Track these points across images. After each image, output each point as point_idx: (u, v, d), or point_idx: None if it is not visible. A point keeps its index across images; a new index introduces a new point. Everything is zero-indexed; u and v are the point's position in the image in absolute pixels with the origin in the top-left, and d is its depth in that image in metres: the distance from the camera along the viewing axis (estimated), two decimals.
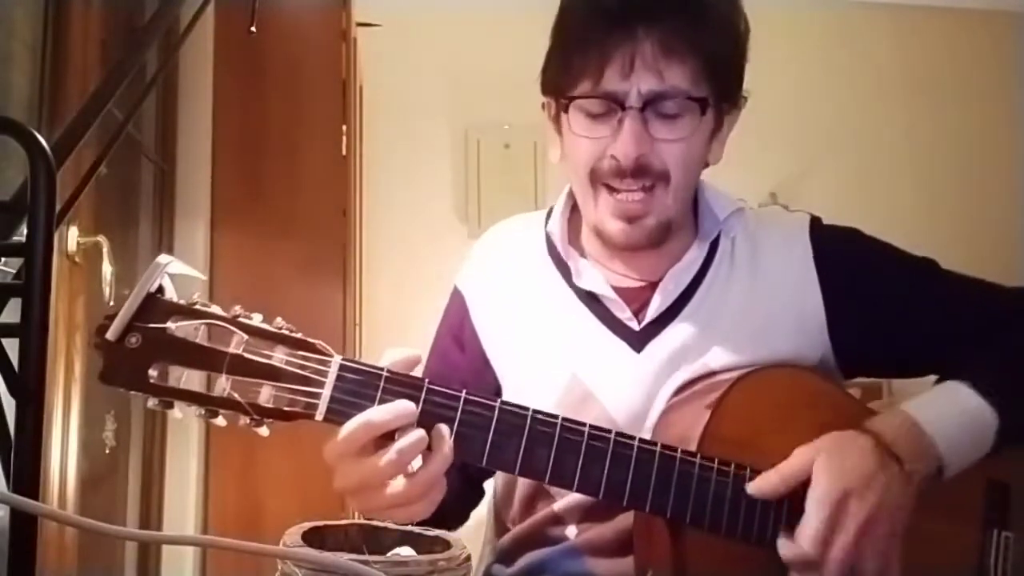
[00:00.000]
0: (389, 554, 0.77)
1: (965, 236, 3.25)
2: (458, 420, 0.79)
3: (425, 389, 0.79)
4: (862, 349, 1.00)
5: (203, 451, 2.33)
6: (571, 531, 0.98)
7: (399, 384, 0.78)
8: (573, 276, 1.03)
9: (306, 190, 2.41)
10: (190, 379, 0.75)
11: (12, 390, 0.74)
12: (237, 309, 0.77)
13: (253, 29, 1.38)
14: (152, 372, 0.74)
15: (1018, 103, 3.58)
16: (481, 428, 0.79)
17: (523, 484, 1.02)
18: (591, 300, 1.02)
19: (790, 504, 0.83)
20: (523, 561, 1.01)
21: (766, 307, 0.99)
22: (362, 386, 0.77)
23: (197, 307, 0.76)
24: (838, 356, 1.00)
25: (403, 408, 0.76)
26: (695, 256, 1.01)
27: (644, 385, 0.97)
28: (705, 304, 1.00)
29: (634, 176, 0.93)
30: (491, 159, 3.43)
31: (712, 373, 0.95)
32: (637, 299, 1.01)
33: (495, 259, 1.11)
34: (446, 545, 0.76)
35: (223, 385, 0.74)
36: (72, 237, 1.71)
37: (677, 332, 0.99)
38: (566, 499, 0.98)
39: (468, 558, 0.75)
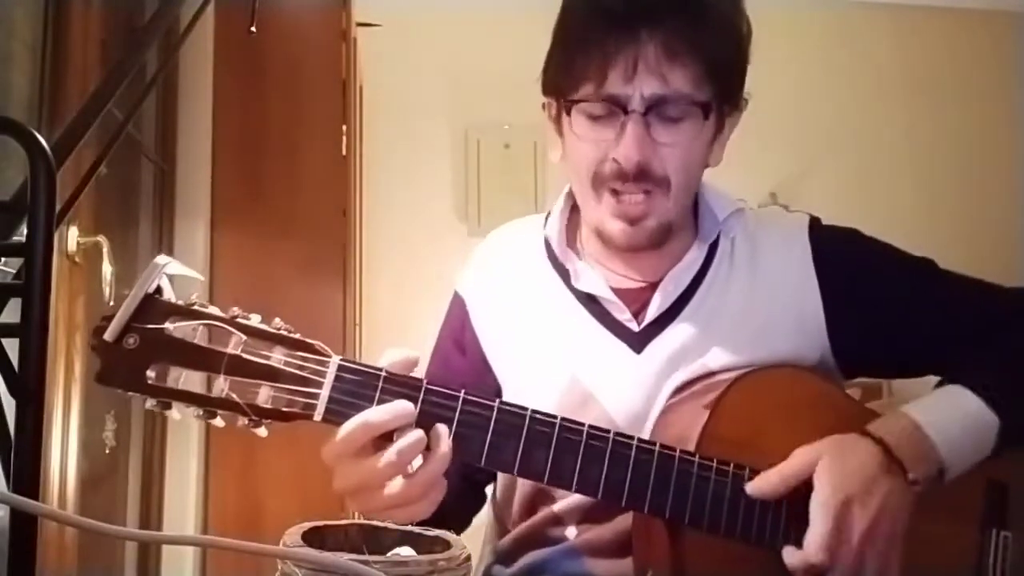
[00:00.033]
0: (389, 554, 0.77)
1: (965, 236, 3.26)
2: (457, 420, 0.79)
3: (424, 389, 0.79)
4: (861, 350, 1.00)
5: (203, 451, 2.33)
6: (571, 532, 0.98)
7: (397, 384, 0.78)
8: (572, 279, 1.03)
9: (306, 190, 2.41)
10: (188, 380, 0.75)
11: (12, 390, 0.74)
12: (235, 310, 0.77)
13: (253, 29, 1.38)
14: (150, 373, 0.74)
15: (1018, 103, 3.59)
16: (480, 428, 0.79)
17: (523, 485, 1.02)
18: (590, 302, 1.02)
19: (789, 504, 0.83)
20: (523, 562, 1.01)
21: (765, 308, 0.99)
22: (360, 386, 0.77)
23: (195, 308, 0.76)
24: (837, 356, 1.00)
25: (401, 408, 0.76)
26: (695, 257, 1.01)
27: (644, 386, 0.97)
28: (705, 305, 1.00)
29: (635, 180, 0.93)
30: (491, 159, 3.43)
31: (711, 373, 0.95)
32: (637, 300, 1.01)
33: (494, 263, 1.11)
34: (446, 545, 0.76)
35: (221, 386, 0.74)
36: (72, 237, 1.71)
37: (677, 333, 0.99)
38: (566, 500, 0.98)
39: (468, 558, 0.75)
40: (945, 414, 0.88)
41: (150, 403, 0.75)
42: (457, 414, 0.79)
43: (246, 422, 0.75)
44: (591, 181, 0.96)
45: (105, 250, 1.78)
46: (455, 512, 1.01)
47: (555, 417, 0.81)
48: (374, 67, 3.12)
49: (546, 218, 1.09)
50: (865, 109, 3.62)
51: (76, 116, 0.97)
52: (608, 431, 0.82)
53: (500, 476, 1.08)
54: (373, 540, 0.79)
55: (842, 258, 1.01)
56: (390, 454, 0.75)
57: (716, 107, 0.95)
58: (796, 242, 1.02)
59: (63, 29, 1.72)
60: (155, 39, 1.16)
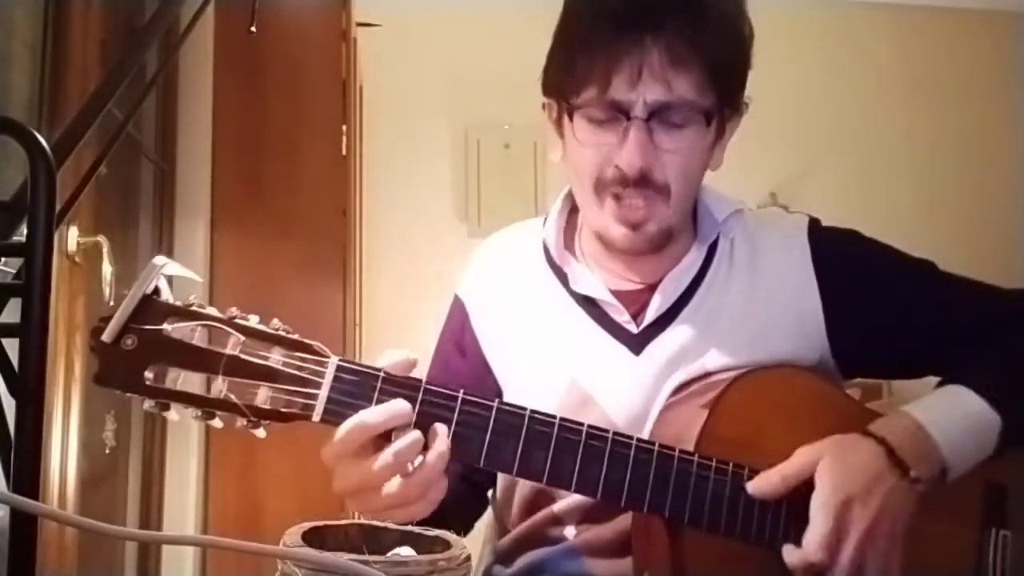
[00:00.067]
0: (389, 554, 0.77)
1: (965, 236, 3.26)
2: (455, 421, 0.79)
3: (422, 389, 0.79)
4: (861, 350, 1.00)
5: (203, 451, 2.33)
6: (570, 531, 0.98)
7: (396, 385, 0.78)
8: (570, 282, 1.03)
9: (306, 190, 2.41)
10: (187, 381, 0.75)
11: (12, 390, 0.74)
12: (233, 310, 0.77)
13: (253, 29, 1.38)
14: (148, 374, 0.74)
15: (1018, 103, 3.59)
16: (479, 428, 0.79)
17: (523, 486, 1.02)
18: (589, 304, 1.02)
19: (789, 503, 0.83)
20: (522, 561, 1.01)
21: (765, 309, 0.99)
22: (359, 387, 0.77)
23: (193, 308, 0.76)
24: (837, 357, 1.00)
25: (397, 408, 0.76)
26: (694, 258, 1.01)
27: (643, 388, 0.97)
28: (704, 306, 1.00)
29: (636, 185, 0.93)
30: (491, 159, 3.43)
31: (709, 374, 0.95)
32: (635, 302, 1.01)
33: (493, 266, 1.11)
34: (446, 545, 0.76)
35: (220, 387, 0.74)
36: (72, 237, 1.71)
37: (676, 334, 0.99)
38: (565, 500, 0.98)
39: (468, 558, 0.74)
40: (947, 414, 0.88)
41: (148, 404, 0.75)
42: (456, 414, 0.79)
43: (245, 423, 0.75)
44: (593, 186, 0.96)
45: (105, 250, 1.78)
46: (456, 514, 1.01)
47: (554, 417, 0.81)
48: (374, 67, 3.12)
49: (544, 221, 1.09)
50: (865, 109, 3.62)
51: (76, 116, 0.97)
52: (607, 431, 0.82)
53: (500, 477, 1.08)
54: (373, 540, 0.79)
55: (841, 259, 1.01)
56: (386, 456, 0.75)
57: (718, 112, 0.94)
58: (795, 243, 1.02)
59: (63, 29, 1.72)
60: (155, 39, 1.16)
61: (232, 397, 0.74)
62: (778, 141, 3.29)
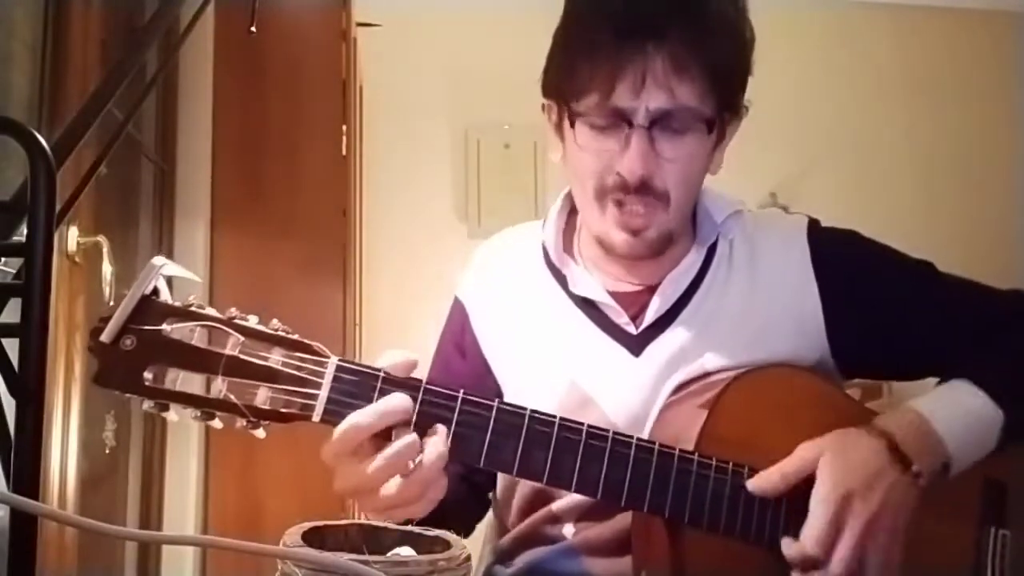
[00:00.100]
0: (389, 554, 0.77)
1: (964, 236, 3.26)
2: (455, 420, 0.79)
3: (422, 389, 0.79)
4: (860, 351, 1.00)
5: (203, 451, 2.33)
6: (568, 530, 0.98)
7: (396, 385, 0.78)
8: (569, 284, 1.03)
9: (306, 190, 2.41)
10: (186, 381, 0.75)
11: (12, 390, 0.74)
12: (233, 311, 0.77)
13: (253, 29, 1.38)
14: (147, 374, 0.74)
15: (1018, 103, 3.59)
16: (479, 428, 0.79)
17: (523, 486, 1.02)
18: (588, 306, 1.02)
19: (788, 502, 0.83)
20: (521, 560, 1.02)
21: (764, 309, 0.99)
22: (359, 387, 0.77)
23: (192, 309, 0.76)
24: (836, 357, 1.00)
25: (390, 405, 0.76)
26: (693, 260, 1.01)
27: (643, 389, 0.97)
28: (703, 307, 1.00)
29: (637, 192, 0.93)
30: (491, 159, 3.43)
31: (708, 374, 0.95)
32: (635, 303, 1.01)
33: (493, 268, 1.11)
34: (446, 545, 0.76)
35: (219, 387, 0.74)
36: (72, 237, 1.71)
37: (675, 335, 0.99)
38: (564, 499, 0.98)
39: (468, 558, 0.74)
40: (950, 408, 0.88)
41: (147, 405, 0.75)
42: (456, 414, 0.79)
43: (244, 423, 0.75)
44: (595, 193, 0.96)
45: (105, 250, 1.78)
46: (457, 515, 1.01)
47: (554, 417, 0.81)
48: (374, 67, 3.12)
49: (543, 223, 1.09)
50: (865, 109, 3.63)
51: (76, 116, 0.97)
52: (607, 430, 0.82)
53: (500, 477, 1.08)
54: (373, 540, 0.79)
55: (841, 259, 1.01)
56: (379, 460, 0.75)
57: (718, 117, 0.94)
58: (795, 244, 1.02)
59: (63, 29, 1.72)
60: (155, 39, 1.16)
61: (232, 397, 0.74)
62: (778, 141, 3.29)
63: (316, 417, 0.76)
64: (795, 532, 0.82)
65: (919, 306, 1.00)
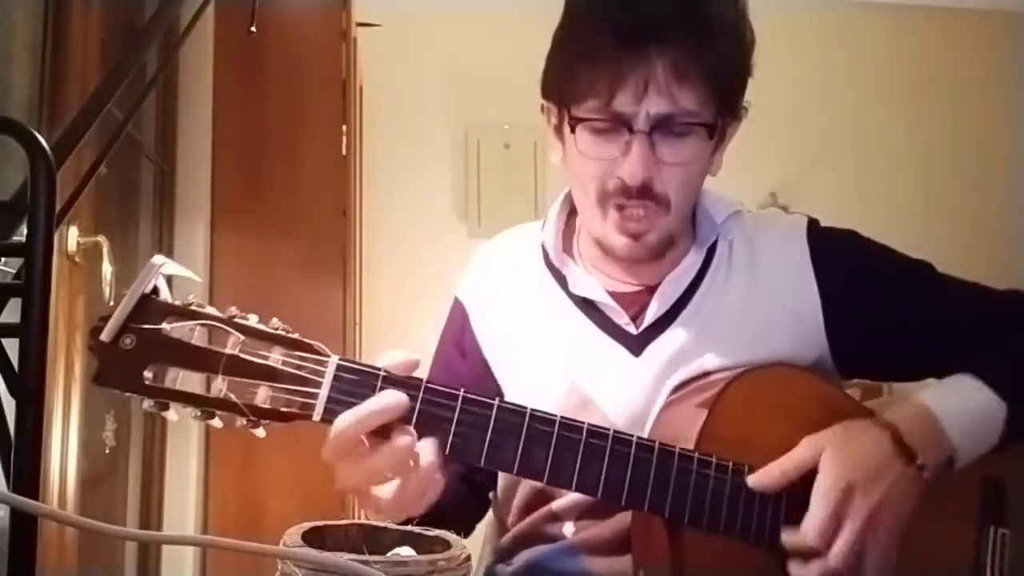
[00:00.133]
0: (389, 554, 0.77)
1: (964, 236, 3.26)
2: (456, 420, 0.79)
3: (423, 388, 0.79)
4: (859, 351, 1.00)
5: (203, 451, 2.33)
6: (568, 528, 0.98)
7: (397, 384, 0.78)
8: (569, 284, 1.03)
9: (306, 190, 2.41)
10: (186, 380, 0.75)
11: (12, 390, 0.74)
12: (233, 310, 0.77)
13: (253, 29, 1.38)
14: (147, 373, 0.74)
15: (1017, 103, 3.59)
16: (479, 428, 0.79)
17: (525, 485, 1.02)
18: (588, 307, 1.02)
19: (788, 501, 0.83)
20: (521, 559, 1.02)
21: (764, 309, 0.99)
22: (359, 386, 0.77)
23: (192, 308, 0.76)
24: (835, 357, 1.00)
25: (385, 402, 0.76)
26: (692, 260, 1.01)
27: (643, 389, 0.97)
28: (703, 307, 1.00)
29: (638, 196, 0.93)
30: (491, 159, 3.43)
31: (708, 373, 0.95)
32: (634, 304, 1.01)
33: (493, 269, 1.11)
34: (446, 545, 0.76)
35: (219, 386, 0.74)
36: (72, 237, 1.71)
37: (675, 336, 0.99)
38: (564, 497, 0.98)
39: (468, 558, 0.74)
40: (955, 401, 0.89)
41: (147, 404, 0.75)
42: (456, 413, 0.79)
43: (244, 422, 0.75)
44: (596, 198, 0.96)
45: (105, 250, 1.78)
46: (457, 515, 1.01)
47: (555, 416, 0.81)
48: (374, 67, 3.12)
49: (543, 224, 1.09)
50: (864, 110, 3.63)
51: (76, 116, 0.97)
52: (607, 429, 0.82)
53: (501, 476, 1.08)
54: (373, 540, 0.79)
55: (840, 259, 1.01)
56: (377, 459, 0.75)
57: (719, 120, 0.94)
58: (794, 244, 1.02)
59: (63, 29, 1.72)
60: (155, 39, 1.16)
61: (232, 396, 0.74)
62: (778, 142, 3.29)
63: (316, 416, 0.76)
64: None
65: (918, 306, 1.00)
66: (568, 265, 1.04)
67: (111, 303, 1.78)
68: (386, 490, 0.77)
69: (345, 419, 0.75)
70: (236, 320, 0.76)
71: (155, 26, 1.12)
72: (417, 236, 3.32)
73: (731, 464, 0.84)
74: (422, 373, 0.82)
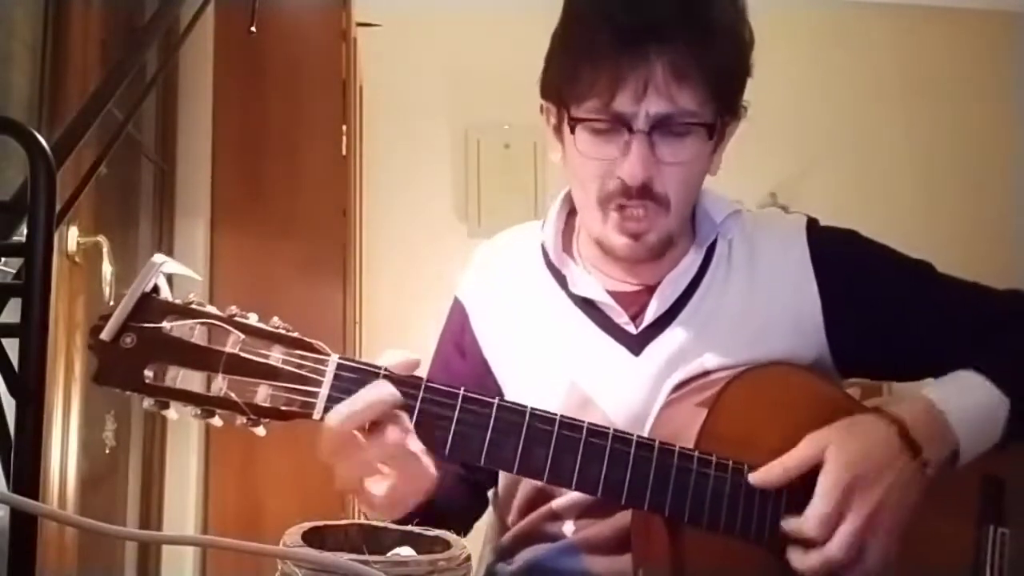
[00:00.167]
0: (389, 554, 0.77)
1: (963, 236, 3.26)
2: (456, 419, 0.79)
3: (423, 387, 0.79)
4: (859, 350, 1.00)
5: (203, 451, 2.33)
6: (568, 527, 0.98)
7: (396, 383, 0.78)
8: (569, 284, 1.03)
9: (306, 190, 2.42)
10: (186, 379, 0.75)
11: (12, 390, 0.74)
12: (233, 309, 0.77)
13: (253, 29, 1.37)
14: (147, 372, 0.74)
15: (1017, 103, 3.59)
16: (479, 427, 0.80)
17: (526, 484, 1.02)
18: (588, 306, 1.02)
19: (789, 498, 0.83)
20: (521, 558, 1.02)
21: (763, 309, 0.99)
22: (359, 385, 0.77)
23: (193, 306, 0.76)
24: (835, 357, 1.00)
25: (375, 395, 0.76)
26: (692, 260, 1.01)
27: (643, 388, 0.97)
28: (702, 307, 1.00)
29: (638, 196, 0.93)
30: (491, 159, 3.43)
31: (707, 372, 0.95)
32: (634, 303, 1.01)
33: (493, 268, 1.11)
34: (446, 545, 0.76)
35: (220, 385, 0.74)
36: (72, 237, 1.71)
37: (675, 335, 0.99)
38: (564, 496, 0.98)
39: (468, 558, 0.74)
40: (960, 396, 0.89)
41: (148, 403, 0.75)
42: (457, 412, 0.79)
43: (244, 421, 0.75)
44: (597, 199, 0.96)
45: (105, 250, 1.78)
46: (456, 514, 1.01)
47: (555, 415, 0.81)
48: (374, 67, 3.12)
49: (543, 223, 1.09)
50: (864, 110, 3.63)
51: (76, 116, 0.97)
52: (607, 428, 0.82)
53: (502, 475, 1.08)
54: (373, 540, 0.79)
55: (840, 259, 1.01)
56: (357, 461, 0.76)
57: (718, 120, 0.94)
58: (794, 243, 1.02)
59: (63, 29, 1.72)
60: (155, 39, 1.16)
61: (232, 395, 0.74)
62: (778, 142, 3.29)
63: (317, 415, 0.76)
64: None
65: (917, 306, 1.00)
66: (568, 265, 1.04)
67: (111, 303, 1.78)
68: (380, 483, 0.78)
69: (338, 412, 0.75)
70: (236, 319, 0.76)
71: (155, 26, 1.12)
72: (417, 236, 3.32)
73: (731, 463, 0.84)
74: (422, 373, 0.82)
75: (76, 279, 1.73)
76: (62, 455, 1.65)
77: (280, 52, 2.43)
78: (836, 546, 0.79)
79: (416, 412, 0.78)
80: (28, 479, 0.72)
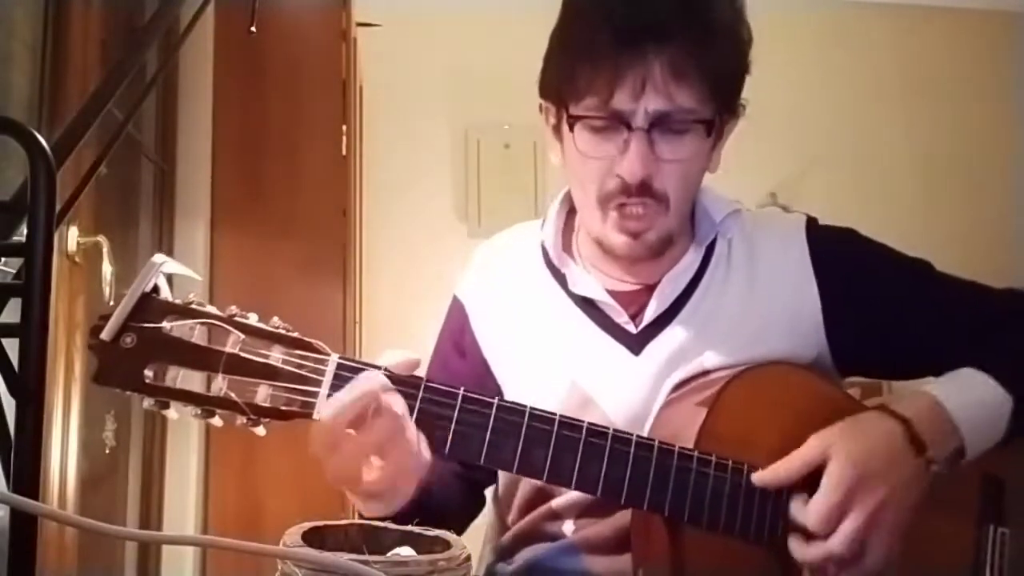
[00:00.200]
0: (389, 554, 0.77)
1: (963, 236, 3.26)
2: (455, 419, 0.79)
3: (423, 387, 0.79)
4: (858, 349, 1.00)
5: (203, 451, 2.33)
6: (568, 527, 0.98)
7: (396, 383, 0.78)
8: (568, 283, 1.03)
9: (306, 190, 2.41)
10: (186, 379, 0.75)
11: (12, 390, 0.74)
12: (233, 309, 0.77)
13: (253, 29, 1.37)
14: (147, 372, 0.74)
15: (1017, 103, 3.58)
16: (479, 427, 0.80)
17: (526, 484, 1.02)
18: (588, 306, 1.02)
19: (789, 497, 0.83)
20: (521, 557, 1.02)
21: (763, 308, 0.99)
22: None
23: (193, 306, 0.76)
24: (834, 356, 1.00)
25: (363, 385, 0.76)
26: (691, 259, 1.01)
27: (643, 388, 0.97)
28: (702, 306, 1.00)
29: (637, 194, 0.93)
30: (491, 159, 3.43)
31: (706, 372, 0.96)
32: (634, 303, 1.01)
33: (493, 268, 1.11)
34: (446, 545, 0.76)
35: (220, 385, 0.75)
36: (72, 237, 1.71)
37: (675, 334, 0.99)
38: (564, 496, 0.98)
39: (468, 558, 0.74)
40: (964, 393, 0.89)
41: (148, 402, 0.75)
42: (456, 412, 0.79)
43: (244, 421, 0.75)
44: (597, 199, 0.96)
45: (105, 250, 1.78)
46: (454, 513, 1.01)
47: (554, 415, 0.81)
48: (374, 67, 3.12)
49: (543, 223, 1.09)
50: (864, 110, 3.62)
51: (76, 116, 0.97)
52: (607, 428, 0.82)
53: (502, 475, 1.08)
54: (373, 540, 0.79)
55: (839, 258, 1.01)
56: (348, 451, 0.76)
57: (717, 118, 0.94)
58: (794, 243, 1.02)
59: (63, 29, 1.72)
60: (155, 39, 1.15)
61: (232, 395, 0.74)
62: (777, 142, 3.29)
63: (317, 415, 0.76)
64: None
65: (916, 305, 1.00)
66: (568, 264, 1.04)
67: (111, 303, 1.78)
68: (373, 472, 0.78)
69: (330, 405, 0.75)
70: (236, 319, 0.76)
71: (155, 26, 1.12)
72: (417, 236, 3.32)
73: (730, 462, 0.84)
74: (421, 373, 0.82)
75: (76, 279, 1.73)
76: (62, 455, 1.65)
77: (280, 52, 2.43)
78: (838, 542, 0.79)
79: (416, 412, 0.78)
80: (28, 479, 0.72)
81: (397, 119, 3.33)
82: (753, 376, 0.91)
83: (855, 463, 0.81)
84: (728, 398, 0.88)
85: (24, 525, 0.71)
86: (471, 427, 0.80)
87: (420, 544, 0.78)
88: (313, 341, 0.78)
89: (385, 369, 0.78)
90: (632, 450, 0.82)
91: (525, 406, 0.81)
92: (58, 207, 0.78)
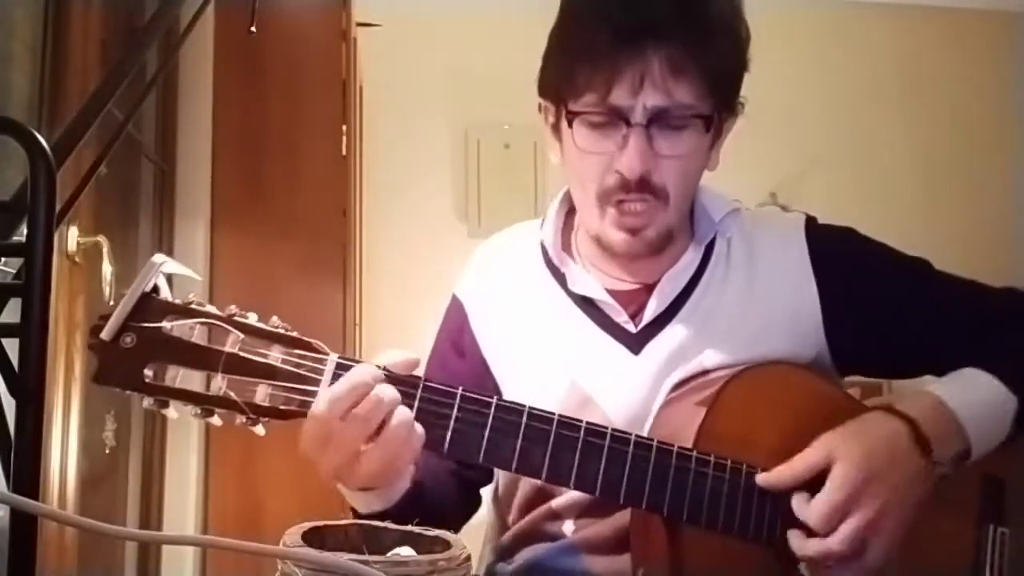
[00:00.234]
0: (389, 554, 0.77)
1: (963, 236, 3.26)
2: (454, 417, 0.79)
3: (421, 386, 0.79)
4: (857, 349, 1.00)
5: (203, 451, 2.33)
6: (568, 527, 0.98)
7: (395, 382, 0.78)
8: (568, 283, 1.03)
9: (306, 190, 2.42)
10: (186, 378, 0.75)
11: (12, 390, 0.74)
12: (232, 308, 0.77)
13: (253, 29, 1.37)
14: (147, 372, 0.74)
15: (1017, 103, 3.58)
16: (477, 426, 0.80)
17: (525, 485, 1.02)
18: (587, 305, 1.02)
19: (789, 497, 0.83)
20: (521, 557, 1.02)
21: (762, 307, 0.99)
22: None
23: (192, 306, 0.76)
24: (834, 355, 1.00)
25: (356, 377, 0.76)
26: (691, 258, 1.01)
27: (643, 387, 0.97)
28: (701, 306, 1.00)
29: (637, 190, 0.94)
30: (491, 159, 3.43)
31: (706, 371, 0.96)
32: (633, 302, 1.01)
33: (493, 267, 1.11)
34: (446, 545, 0.76)
35: (219, 384, 0.75)
36: (72, 237, 1.71)
37: (674, 333, 0.99)
38: (563, 495, 0.98)
39: (468, 558, 0.74)
40: (968, 393, 0.89)
41: (147, 402, 0.75)
42: (455, 411, 0.79)
43: (244, 420, 0.75)
44: (596, 196, 0.96)
45: (105, 250, 1.78)
46: (450, 511, 1.01)
47: (552, 414, 0.81)
48: (374, 67, 3.12)
49: (542, 222, 1.09)
50: (863, 109, 3.62)
51: (76, 116, 0.97)
52: (605, 427, 0.82)
53: (502, 474, 1.08)
54: (373, 540, 0.79)
55: (839, 257, 1.01)
56: (339, 442, 0.76)
57: (715, 115, 0.94)
58: (793, 242, 1.02)
59: (63, 29, 1.72)
60: (155, 39, 1.16)
61: (231, 394, 0.75)
62: (777, 141, 3.29)
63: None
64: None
65: (915, 304, 1.00)
66: (567, 263, 1.04)
67: (111, 303, 1.78)
68: (364, 459, 0.78)
69: (323, 399, 0.75)
70: (236, 318, 0.76)
71: (155, 26, 1.12)
72: (417, 236, 3.32)
73: (729, 462, 0.84)
74: (420, 372, 0.82)
75: (76, 279, 1.73)
76: (62, 455, 1.65)
77: (280, 52, 2.43)
78: (838, 540, 0.79)
79: (414, 411, 0.78)
80: (28, 479, 0.72)
81: (397, 119, 3.33)
82: (752, 375, 0.91)
83: (860, 465, 0.81)
84: (727, 397, 0.88)
85: (24, 525, 0.71)
86: (470, 426, 0.80)
87: (420, 544, 0.78)
88: (312, 341, 0.78)
89: (384, 368, 0.78)
90: (631, 449, 0.82)
91: (524, 405, 0.81)
92: (58, 207, 0.78)
